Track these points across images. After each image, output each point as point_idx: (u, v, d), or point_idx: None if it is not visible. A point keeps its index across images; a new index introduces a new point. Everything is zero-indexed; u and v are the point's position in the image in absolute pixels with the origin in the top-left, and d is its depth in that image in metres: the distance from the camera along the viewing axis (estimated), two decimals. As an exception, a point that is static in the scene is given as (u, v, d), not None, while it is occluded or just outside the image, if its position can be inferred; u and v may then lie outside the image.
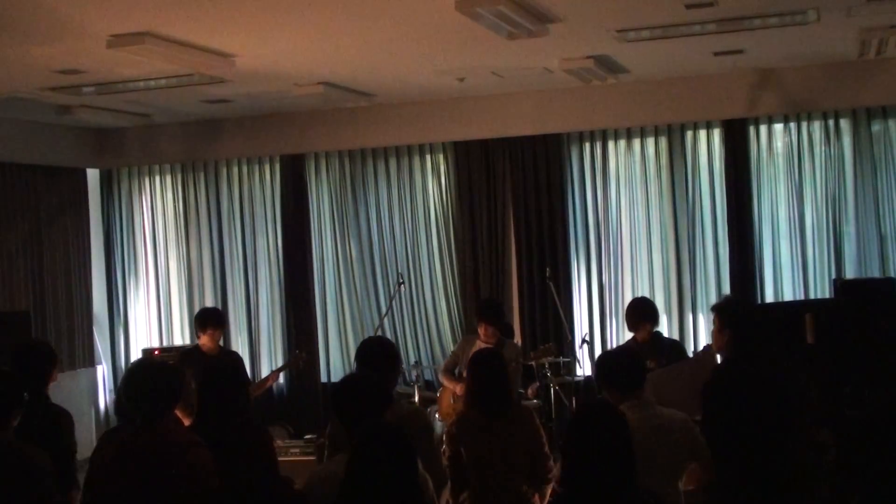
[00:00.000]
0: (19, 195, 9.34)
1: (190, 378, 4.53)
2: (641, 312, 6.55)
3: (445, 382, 7.30)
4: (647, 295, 9.03)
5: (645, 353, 6.31)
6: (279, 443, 6.96)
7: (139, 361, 5.66)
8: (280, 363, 9.93)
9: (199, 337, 7.08)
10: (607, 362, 4.33)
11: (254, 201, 10.15)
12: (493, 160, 9.41)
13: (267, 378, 7.70)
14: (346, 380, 4.20)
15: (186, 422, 4.87)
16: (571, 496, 2.99)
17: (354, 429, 3.60)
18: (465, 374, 6.99)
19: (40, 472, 3.82)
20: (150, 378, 3.93)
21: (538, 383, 7.89)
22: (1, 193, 9.13)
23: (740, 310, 4.84)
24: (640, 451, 3.91)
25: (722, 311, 4.82)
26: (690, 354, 7.30)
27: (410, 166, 9.72)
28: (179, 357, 7.40)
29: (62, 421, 4.79)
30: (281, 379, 9.88)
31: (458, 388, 6.95)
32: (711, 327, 5.00)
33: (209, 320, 7.07)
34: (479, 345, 6.98)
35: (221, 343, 7.33)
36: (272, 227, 10.09)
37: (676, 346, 6.83)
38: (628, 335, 8.99)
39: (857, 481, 2.74)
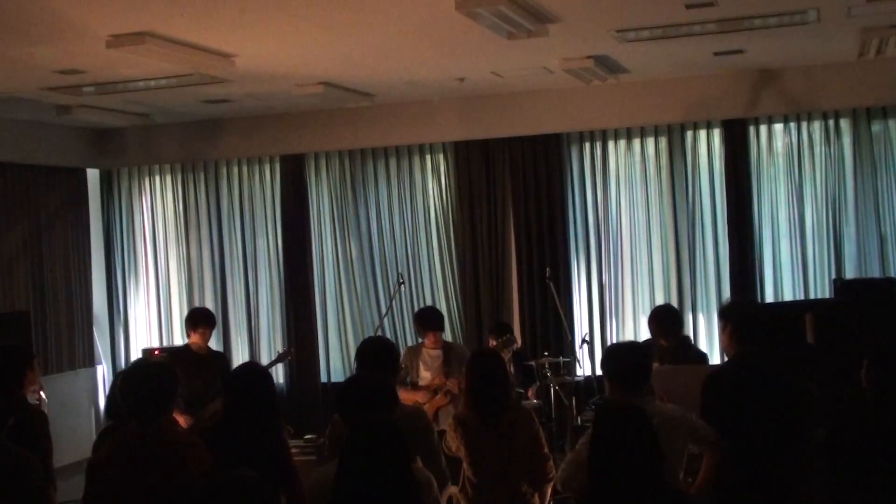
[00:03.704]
0: (19, 195, 9.34)
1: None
2: (660, 324, 6.37)
3: (401, 395, 7.11)
4: (647, 295, 9.06)
5: (669, 359, 6.23)
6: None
7: (136, 363, 5.68)
8: (280, 364, 9.94)
9: (189, 336, 7.16)
10: (616, 357, 4.28)
11: (254, 201, 10.15)
12: (493, 160, 9.41)
13: None
14: (352, 381, 4.20)
15: (181, 419, 4.89)
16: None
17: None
18: (418, 383, 7.03)
19: (34, 472, 3.83)
20: (147, 379, 3.94)
21: (538, 383, 7.89)
22: (1, 193, 9.13)
23: (742, 308, 4.82)
24: None
25: (724, 311, 4.82)
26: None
27: (410, 166, 9.72)
28: (169, 356, 7.45)
29: (37, 421, 4.80)
30: (281, 379, 9.89)
31: (420, 396, 6.94)
32: (711, 327, 4.99)
33: (200, 320, 7.17)
34: (426, 352, 7.12)
35: (221, 342, 7.41)
36: (272, 227, 10.09)
37: (700, 358, 6.65)
38: (628, 335, 9.02)
39: (855, 480, 2.74)
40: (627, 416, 3.05)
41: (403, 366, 7.08)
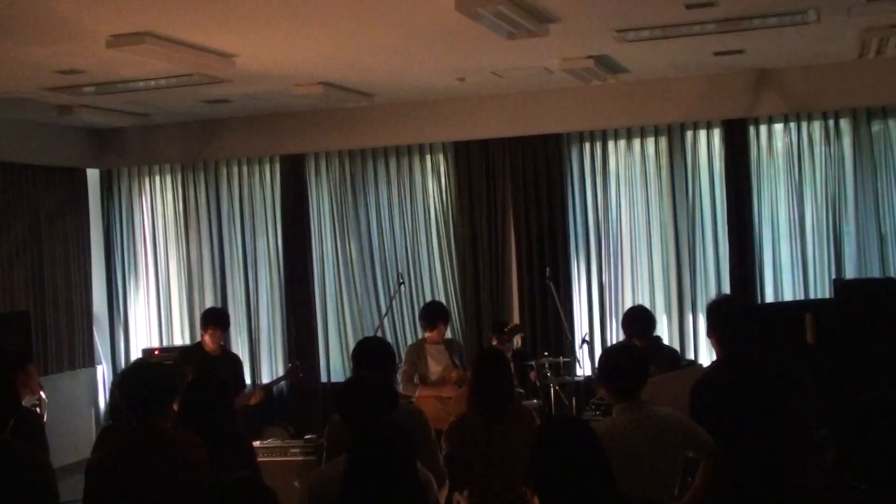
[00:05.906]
0: (19, 195, 9.34)
1: (190, 374, 4.54)
2: (636, 325, 6.38)
3: (423, 392, 7.04)
4: (647, 295, 9.05)
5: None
6: (279, 443, 7.01)
7: (136, 362, 5.67)
8: (280, 364, 9.94)
9: (202, 334, 7.17)
10: (611, 360, 4.20)
11: (254, 201, 10.15)
12: (493, 160, 9.41)
13: (253, 393, 7.57)
14: (352, 382, 4.20)
15: None
16: None
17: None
18: (428, 378, 7.04)
19: (44, 469, 3.83)
20: (147, 378, 3.94)
21: (535, 371, 7.90)
22: (1, 193, 9.13)
23: (722, 311, 4.74)
24: (631, 456, 3.89)
25: (707, 317, 4.76)
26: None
27: (410, 166, 9.72)
28: (180, 354, 7.44)
29: (32, 421, 4.79)
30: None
31: (447, 391, 6.93)
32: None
33: (210, 320, 7.17)
34: (429, 348, 7.15)
35: (223, 344, 7.38)
36: (272, 227, 10.09)
37: (673, 356, 6.73)
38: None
39: (855, 481, 2.74)
40: (570, 429, 3.03)
41: (407, 364, 7.12)
